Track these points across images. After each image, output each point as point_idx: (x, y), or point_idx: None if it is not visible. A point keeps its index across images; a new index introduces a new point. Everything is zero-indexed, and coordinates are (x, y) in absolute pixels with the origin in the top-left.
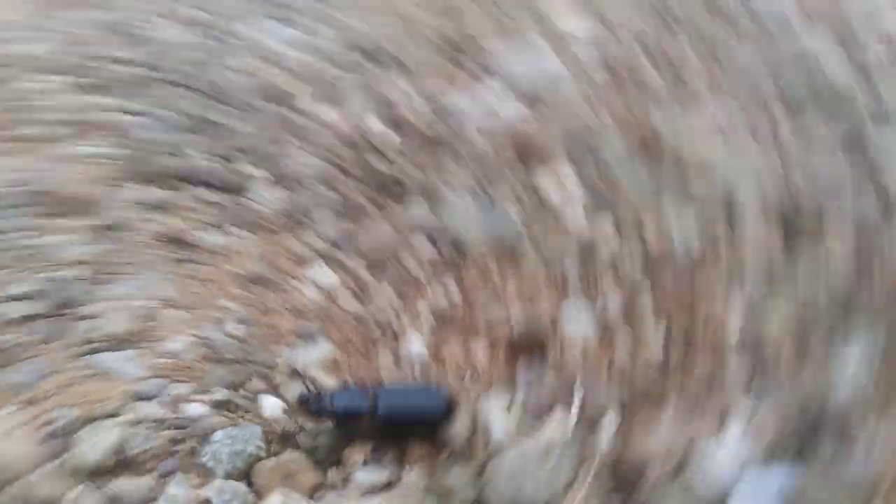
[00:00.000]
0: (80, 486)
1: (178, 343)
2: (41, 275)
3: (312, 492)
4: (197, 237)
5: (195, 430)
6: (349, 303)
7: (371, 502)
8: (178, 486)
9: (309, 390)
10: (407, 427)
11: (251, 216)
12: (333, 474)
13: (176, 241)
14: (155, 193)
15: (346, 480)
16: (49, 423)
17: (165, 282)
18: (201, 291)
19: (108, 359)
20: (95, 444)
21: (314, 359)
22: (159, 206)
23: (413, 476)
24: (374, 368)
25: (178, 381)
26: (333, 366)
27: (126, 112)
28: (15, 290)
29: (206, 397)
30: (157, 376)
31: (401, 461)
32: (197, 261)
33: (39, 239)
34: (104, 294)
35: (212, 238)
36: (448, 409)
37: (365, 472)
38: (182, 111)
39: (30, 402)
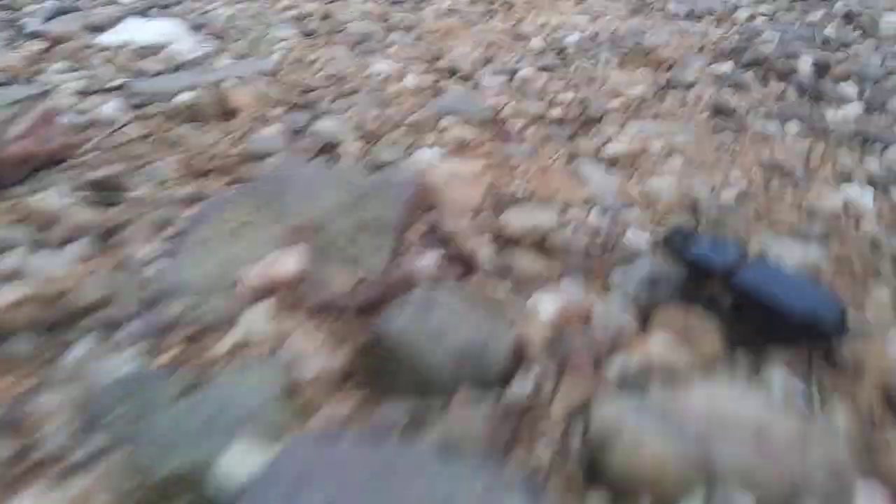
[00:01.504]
0: None
1: (664, 183)
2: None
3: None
4: (746, 117)
5: (619, 251)
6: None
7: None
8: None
9: (682, 230)
10: (767, 320)
11: (820, 124)
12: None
13: (725, 112)
14: (729, 69)
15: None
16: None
17: (692, 136)
18: (720, 158)
19: (590, 169)
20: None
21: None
22: (731, 83)
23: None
24: None
25: (639, 210)
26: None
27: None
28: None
29: (648, 234)
30: (624, 200)
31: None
32: (735, 134)
33: (612, 71)
34: (630, 126)
35: (761, 124)
36: (840, 326)
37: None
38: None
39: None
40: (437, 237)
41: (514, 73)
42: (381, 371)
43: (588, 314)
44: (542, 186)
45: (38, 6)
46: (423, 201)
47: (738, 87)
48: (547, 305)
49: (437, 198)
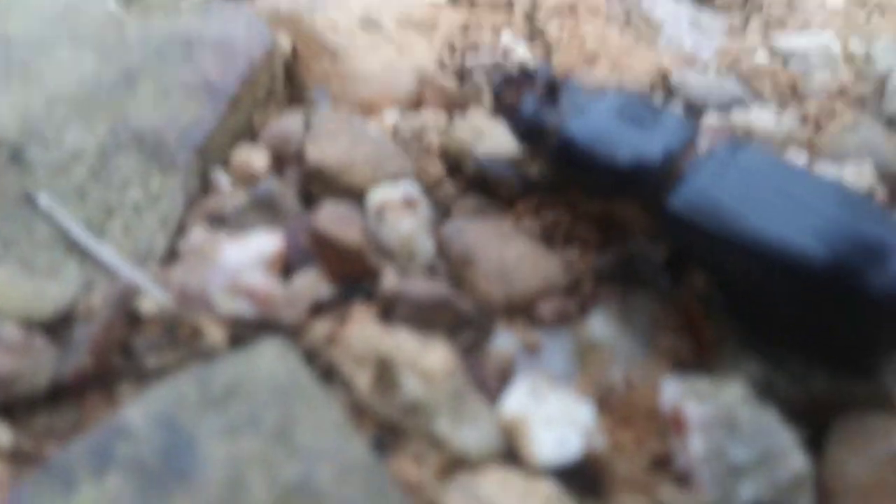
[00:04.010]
0: None
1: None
2: None
3: None
4: None
5: None
6: None
7: None
8: None
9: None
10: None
11: None
12: None
13: None
14: None
15: None
16: None
17: None
18: None
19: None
20: None
21: None
22: None
23: None
24: None
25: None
26: None
27: None
28: None
29: None
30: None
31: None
32: None
33: None
34: None
35: None
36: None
37: None
38: None
39: None
40: (292, 180)
41: None
42: None
43: None
44: (566, 46)
45: None
46: (277, 83)
47: None
48: None
49: (320, 75)
